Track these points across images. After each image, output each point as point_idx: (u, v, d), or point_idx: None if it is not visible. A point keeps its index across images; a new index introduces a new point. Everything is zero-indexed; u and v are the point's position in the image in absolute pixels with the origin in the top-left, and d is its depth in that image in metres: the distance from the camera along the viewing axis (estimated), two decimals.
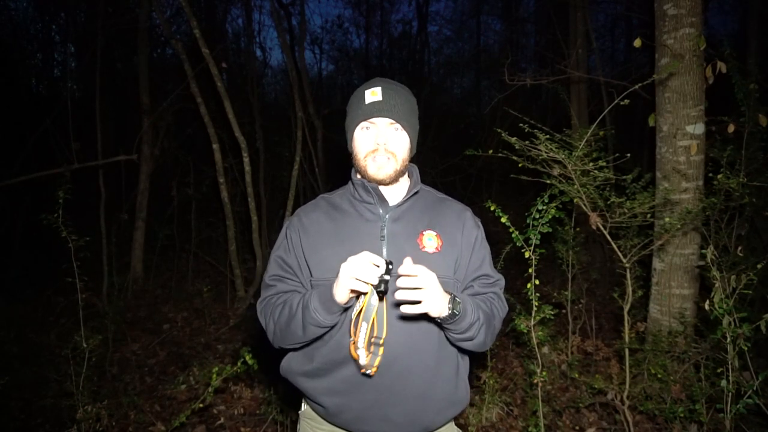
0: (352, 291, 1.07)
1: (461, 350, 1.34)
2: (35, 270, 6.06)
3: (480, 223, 1.38)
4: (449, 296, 1.10)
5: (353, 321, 1.11)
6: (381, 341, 1.11)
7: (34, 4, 9.28)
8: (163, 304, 5.58)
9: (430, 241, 1.26)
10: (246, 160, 4.93)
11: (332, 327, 1.20)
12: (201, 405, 2.43)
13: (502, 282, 1.36)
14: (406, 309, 1.04)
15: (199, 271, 6.65)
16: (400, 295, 1.04)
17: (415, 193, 1.33)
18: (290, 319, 1.18)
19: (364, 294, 1.07)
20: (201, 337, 4.63)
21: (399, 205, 1.30)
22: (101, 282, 5.28)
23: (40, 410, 3.28)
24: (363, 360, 1.09)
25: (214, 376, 2.42)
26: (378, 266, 1.03)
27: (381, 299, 1.10)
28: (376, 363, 1.10)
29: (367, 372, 1.10)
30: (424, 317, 1.13)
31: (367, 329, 1.07)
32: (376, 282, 1.02)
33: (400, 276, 1.03)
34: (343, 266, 1.06)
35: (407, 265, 1.03)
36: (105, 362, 3.85)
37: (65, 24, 9.08)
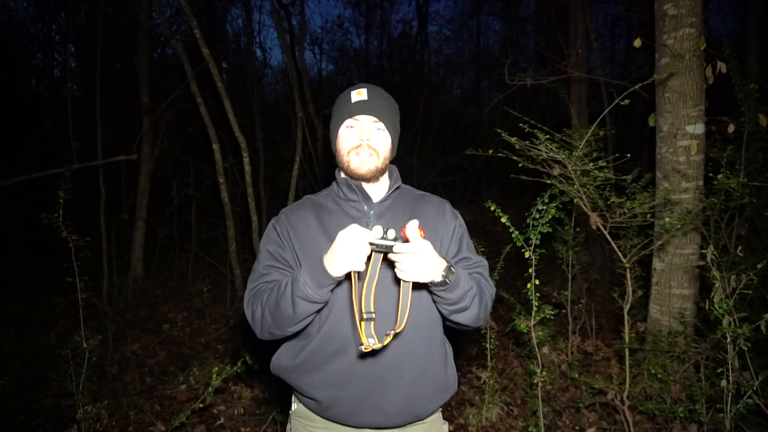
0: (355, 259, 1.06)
1: (448, 336, 1.39)
2: (35, 270, 6.07)
3: (458, 214, 1.43)
4: (446, 264, 1.13)
5: (359, 291, 1.12)
6: (392, 333, 1.11)
7: (34, 4, 9.28)
8: (163, 304, 5.58)
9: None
10: (246, 160, 4.92)
11: (319, 312, 1.21)
12: (201, 405, 2.43)
13: (485, 263, 1.39)
14: (399, 272, 1.08)
15: (199, 271, 6.65)
16: (395, 257, 1.06)
17: (396, 188, 1.39)
18: (279, 298, 1.16)
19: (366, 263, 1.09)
20: (201, 337, 4.63)
21: (382, 202, 1.35)
22: (101, 282, 5.28)
23: (40, 410, 3.28)
24: (371, 341, 1.09)
25: (214, 376, 2.42)
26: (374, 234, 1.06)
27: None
28: (374, 347, 1.09)
29: (361, 348, 1.08)
30: (424, 302, 1.18)
31: (370, 294, 1.10)
32: (377, 244, 1.05)
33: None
34: (340, 237, 1.06)
35: (405, 242, 1.06)
36: (105, 362, 3.85)
37: (65, 24, 9.08)
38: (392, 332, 1.10)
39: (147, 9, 6.32)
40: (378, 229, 1.05)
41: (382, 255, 1.10)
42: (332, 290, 1.15)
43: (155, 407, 3.29)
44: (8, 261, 6.44)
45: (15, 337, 4.39)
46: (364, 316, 1.10)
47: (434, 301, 1.24)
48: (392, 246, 1.05)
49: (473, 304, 1.21)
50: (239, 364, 2.45)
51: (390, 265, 1.14)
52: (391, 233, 1.06)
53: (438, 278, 1.11)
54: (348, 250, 1.04)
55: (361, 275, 1.11)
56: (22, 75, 9.04)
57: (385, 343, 1.10)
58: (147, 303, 5.60)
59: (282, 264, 1.30)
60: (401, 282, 1.12)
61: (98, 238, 5.28)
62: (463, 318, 1.23)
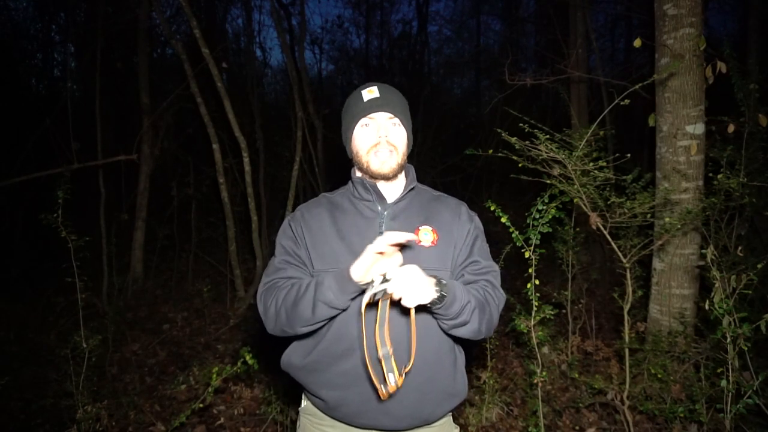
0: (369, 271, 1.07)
1: (458, 343, 1.36)
2: (35, 270, 6.06)
3: (475, 217, 1.40)
4: (434, 280, 1.10)
5: (376, 330, 1.10)
6: (404, 372, 1.09)
7: (34, 4, 9.28)
8: (163, 304, 5.58)
9: (426, 236, 1.29)
10: (246, 160, 4.93)
11: (337, 316, 1.21)
12: (201, 405, 2.43)
13: (496, 269, 1.36)
14: (404, 298, 1.06)
15: (199, 271, 6.65)
16: (395, 287, 1.05)
17: (412, 189, 1.37)
18: (299, 298, 1.16)
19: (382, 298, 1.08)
20: (201, 337, 4.63)
21: (396, 202, 1.34)
22: (101, 282, 5.28)
23: (40, 410, 3.27)
24: (391, 377, 1.07)
25: (214, 376, 2.42)
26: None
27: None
28: (391, 390, 1.07)
29: (383, 390, 1.06)
30: (420, 309, 1.14)
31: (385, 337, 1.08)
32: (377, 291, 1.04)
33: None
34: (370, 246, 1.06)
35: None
36: (105, 362, 3.85)
37: (65, 24, 9.07)
38: (404, 371, 1.09)
39: (147, 9, 6.32)
40: (378, 279, 1.05)
41: (389, 300, 1.08)
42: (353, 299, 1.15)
43: (155, 407, 3.29)
44: (8, 261, 6.44)
45: (15, 337, 4.39)
46: (380, 354, 1.07)
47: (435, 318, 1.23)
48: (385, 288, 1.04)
49: (473, 318, 1.18)
50: (239, 364, 2.44)
51: (395, 305, 1.13)
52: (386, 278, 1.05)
53: (434, 295, 1.09)
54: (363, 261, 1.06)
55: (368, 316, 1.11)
56: (22, 75, 9.03)
57: (400, 383, 1.07)
58: (147, 303, 5.59)
59: (296, 260, 1.31)
60: (410, 316, 1.10)
61: (98, 238, 5.28)
62: (463, 332, 1.21)
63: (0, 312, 4.88)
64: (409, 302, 1.05)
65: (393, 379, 1.06)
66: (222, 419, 3.08)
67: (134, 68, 7.90)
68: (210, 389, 2.42)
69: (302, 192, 7.21)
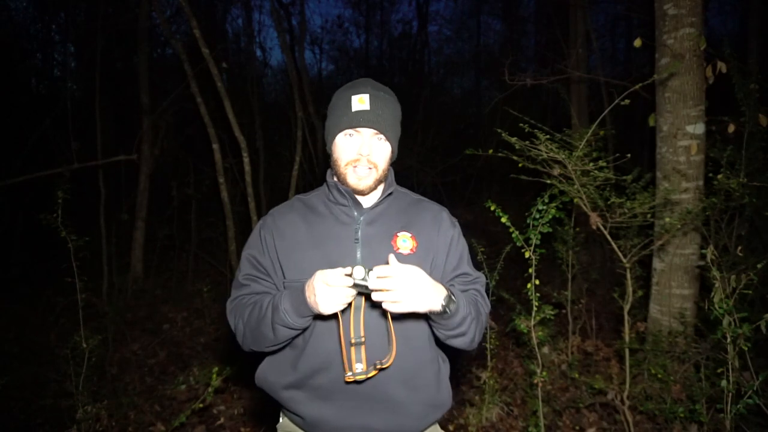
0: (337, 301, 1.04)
1: (443, 352, 1.33)
2: (35, 270, 6.06)
3: (456, 223, 1.36)
4: (446, 293, 1.08)
5: (346, 320, 1.11)
6: (378, 366, 1.09)
7: (34, 4, 9.28)
8: (163, 304, 5.58)
9: (404, 243, 1.24)
10: (246, 160, 4.92)
11: (304, 331, 1.18)
12: (201, 405, 2.43)
13: (483, 279, 1.34)
14: (387, 307, 1.01)
15: (199, 271, 6.65)
16: (377, 297, 1.01)
17: (389, 194, 1.31)
18: (260, 320, 1.15)
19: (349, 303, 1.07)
20: (201, 337, 4.63)
21: (373, 208, 1.28)
22: (101, 282, 5.28)
23: (40, 410, 3.27)
24: (358, 367, 1.08)
25: (214, 376, 2.42)
26: (350, 275, 1.01)
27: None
28: (359, 377, 1.08)
29: (346, 376, 1.07)
30: (411, 317, 1.11)
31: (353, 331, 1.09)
32: (351, 284, 1.01)
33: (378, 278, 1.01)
34: (318, 278, 1.03)
35: (381, 268, 1.01)
36: (105, 362, 3.85)
37: (65, 24, 9.08)
38: (379, 365, 1.08)
39: (147, 9, 6.32)
40: (359, 270, 0.99)
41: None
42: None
43: (155, 407, 3.29)
44: (8, 261, 6.44)
45: (15, 337, 4.39)
46: (353, 340, 1.07)
47: (430, 325, 1.21)
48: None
49: (470, 328, 1.17)
50: (239, 364, 2.45)
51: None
52: (373, 275, 1.00)
53: (437, 307, 1.05)
54: (329, 297, 1.01)
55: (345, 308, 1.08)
56: (22, 75, 9.03)
57: (369, 375, 1.07)
58: (147, 303, 5.59)
59: (261, 273, 1.27)
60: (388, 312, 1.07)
61: (98, 238, 5.28)
62: (459, 342, 1.20)
63: (0, 312, 4.87)
64: (400, 308, 1.01)
65: (360, 368, 1.06)
66: (222, 419, 3.08)
67: (134, 68, 7.89)
68: (210, 389, 2.42)
69: (302, 192, 7.21)
